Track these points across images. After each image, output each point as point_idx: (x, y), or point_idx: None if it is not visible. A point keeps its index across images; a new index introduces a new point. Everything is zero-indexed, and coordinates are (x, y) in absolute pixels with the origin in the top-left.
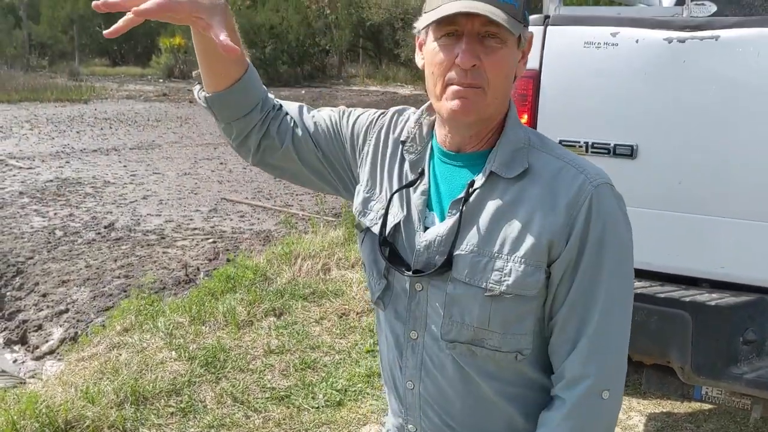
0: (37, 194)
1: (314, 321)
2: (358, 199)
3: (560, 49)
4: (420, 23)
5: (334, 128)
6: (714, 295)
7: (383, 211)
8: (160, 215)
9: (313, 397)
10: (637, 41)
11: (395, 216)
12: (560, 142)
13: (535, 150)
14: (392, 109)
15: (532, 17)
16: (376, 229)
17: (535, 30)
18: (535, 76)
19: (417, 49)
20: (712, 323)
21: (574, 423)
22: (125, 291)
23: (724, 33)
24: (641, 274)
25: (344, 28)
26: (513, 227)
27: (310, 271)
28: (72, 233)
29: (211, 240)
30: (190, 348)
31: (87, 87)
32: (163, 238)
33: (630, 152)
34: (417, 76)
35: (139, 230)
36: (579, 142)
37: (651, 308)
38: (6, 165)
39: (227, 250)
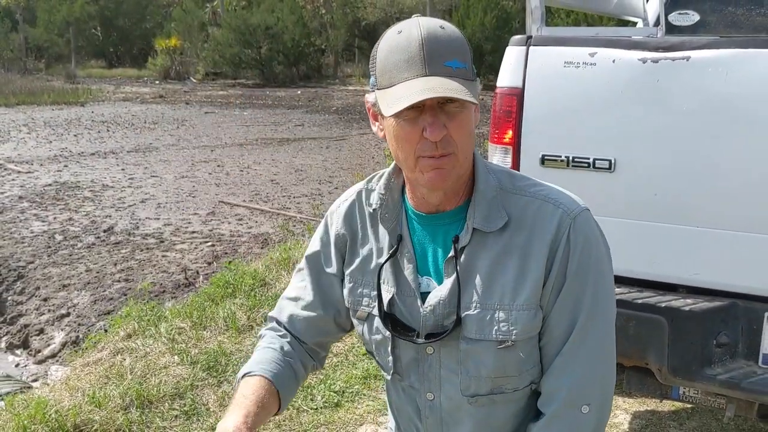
0: (36, 199)
1: None
2: (347, 297)
3: (542, 68)
4: (379, 102)
5: (314, 284)
6: (689, 301)
7: (375, 288)
8: (158, 219)
9: (311, 399)
10: (613, 61)
11: (389, 290)
12: (543, 156)
13: (509, 194)
14: (327, 213)
15: (515, 37)
16: (374, 311)
17: (518, 50)
18: (519, 94)
19: (371, 119)
20: (687, 327)
21: None
22: (125, 295)
23: (695, 54)
24: (622, 280)
25: (340, 27)
26: (508, 277)
27: None
28: (72, 237)
29: (209, 243)
30: (192, 353)
31: (84, 89)
32: (162, 241)
33: (608, 166)
34: None
35: (138, 234)
36: (560, 156)
37: (630, 313)
38: (5, 169)
39: (226, 253)
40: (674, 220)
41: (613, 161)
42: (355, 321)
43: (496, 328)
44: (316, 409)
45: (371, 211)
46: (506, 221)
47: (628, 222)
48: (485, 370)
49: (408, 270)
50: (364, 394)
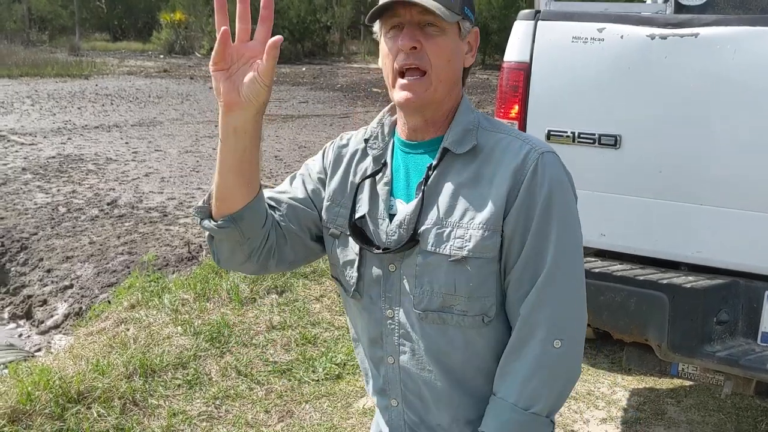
0: (39, 170)
1: (314, 298)
2: (324, 214)
3: (550, 43)
4: (368, 17)
5: (305, 186)
6: (690, 278)
7: (350, 204)
8: (162, 193)
9: (313, 371)
10: (621, 37)
11: (361, 209)
12: (548, 131)
13: (484, 131)
14: (327, 143)
15: (523, 12)
16: (347, 231)
17: (526, 24)
18: (526, 69)
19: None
20: (687, 304)
21: (526, 370)
22: (128, 267)
23: (703, 31)
24: (624, 257)
25: (345, 4)
26: (471, 199)
27: None
28: (75, 210)
29: None
30: (196, 324)
31: (88, 62)
32: (166, 215)
33: (614, 142)
34: None
35: (142, 207)
36: (566, 131)
37: (631, 290)
38: (8, 141)
39: None
40: (678, 197)
41: (618, 138)
42: (327, 238)
43: (450, 243)
44: (318, 380)
45: (363, 142)
46: (474, 145)
47: (632, 199)
48: (437, 285)
49: (383, 192)
50: None
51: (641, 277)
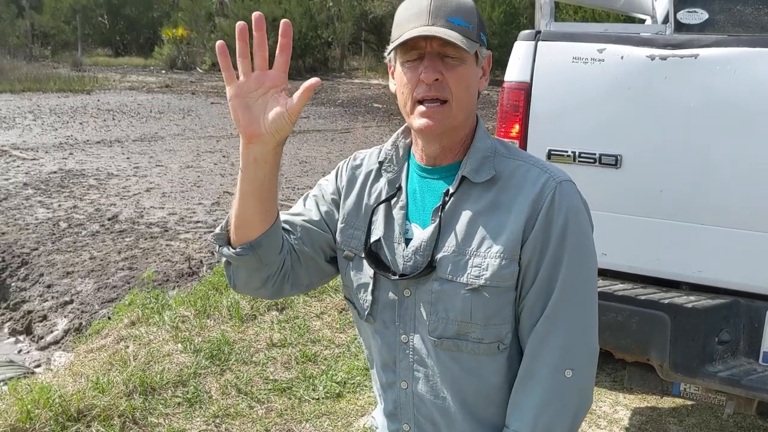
0: (41, 186)
1: (315, 316)
2: (338, 236)
3: (550, 63)
4: (389, 49)
5: (319, 208)
6: (691, 298)
7: (366, 229)
8: (163, 208)
9: (313, 389)
10: (622, 57)
11: (377, 233)
12: (549, 151)
13: (502, 157)
14: (341, 162)
15: (524, 32)
16: (362, 253)
17: (527, 44)
18: (527, 88)
19: (390, 77)
20: (689, 324)
21: (538, 401)
22: (129, 283)
23: (703, 52)
24: (626, 276)
25: (347, 20)
26: (489, 228)
27: None
28: (76, 225)
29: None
30: (196, 341)
31: (90, 77)
32: (167, 230)
33: (615, 162)
34: None
35: (143, 223)
36: (567, 151)
37: (632, 309)
38: (10, 156)
39: None
40: (678, 217)
41: (619, 157)
42: (341, 260)
43: (468, 271)
44: (318, 399)
45: (377, 164)
46: (493, 175)
47: (633, 218)
48: (453, 313)
49: (398, 216)
50: (366, 386)
51: (643, 297)
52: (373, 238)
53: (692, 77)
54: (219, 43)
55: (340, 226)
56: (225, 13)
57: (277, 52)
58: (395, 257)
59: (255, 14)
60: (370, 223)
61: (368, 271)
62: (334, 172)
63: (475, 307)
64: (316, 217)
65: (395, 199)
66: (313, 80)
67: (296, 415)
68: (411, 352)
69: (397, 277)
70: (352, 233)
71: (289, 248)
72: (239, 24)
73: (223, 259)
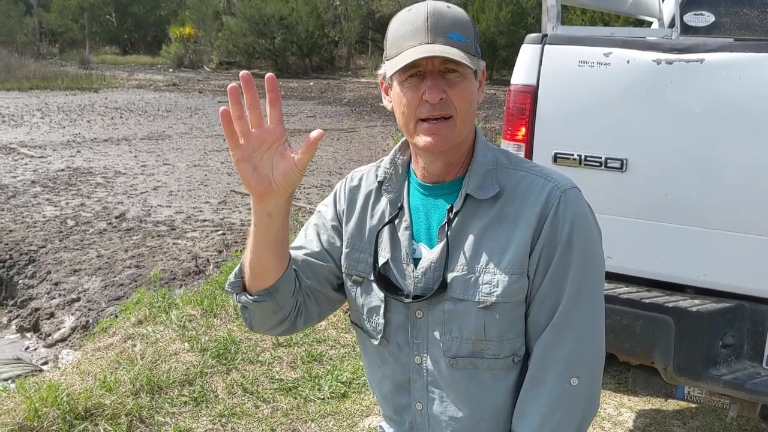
0: (48, 183)
1: None
2: (343, 261)
3: (556, 66)
4: (386, 70)
5: (320, 238)
6: (696, 301)
7: (372, 253)
8: (170, 206)
9: (319, 389)
10: (628, 61)
11: (384, 255)
12: (555, 154)
13: (504, 168)
14: (338, 183)
15: (530, 35)
16: (370, 276)
17: (534, 48)
18: (533, 92)
19: (383, 93)
20: (693, 327)
21: (544, 409)
22: (136, 281)
23: (708, 56)
24: (631, 279)
25: (353, 19)
26: (496, 243)
27: None
28: (83, 223)
29: (220, 232)
30: (202, 340)
31: (97, 75)
32: (174, 229)
33: (620, 165)
34: None
35: (150, 221)
36: (573, 154)
37: (637, 312)
38: (18, 154)
39: (236, 242)
40: (684, 221)
41: (624, 161)
42: (348, 285)
43: (479, 289)
44: (323, 399)
45: (377, 184)
46: (498, 191)
47: (638, 222)
48: (467, 332)
49: (404, 237)
50: None
51: (647, 300)
52: (380, 261)
53: (698, 81)
54: (231, 86)
55: (345, 250)
56: (232, 11)
57: (267, 107)
58: (405, 279)
59: (242, 74)
60: (376, 245)
61: (378, 293)
62: (332, 196)
63: (489, 324)
64: (317, 248)
65: (398, 219)
66: (317, 132)
67: (302, 414)
68: (425, 373)
69: (410, 299)
70: (358, 257)
71: (299, 286)
72: (230, 87)
73: (239, 305)
